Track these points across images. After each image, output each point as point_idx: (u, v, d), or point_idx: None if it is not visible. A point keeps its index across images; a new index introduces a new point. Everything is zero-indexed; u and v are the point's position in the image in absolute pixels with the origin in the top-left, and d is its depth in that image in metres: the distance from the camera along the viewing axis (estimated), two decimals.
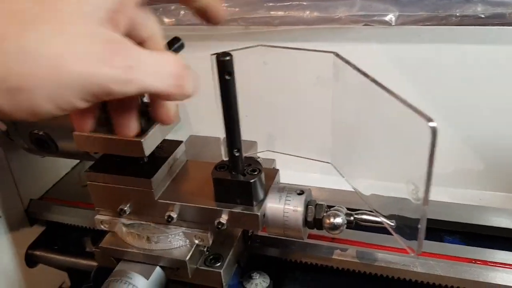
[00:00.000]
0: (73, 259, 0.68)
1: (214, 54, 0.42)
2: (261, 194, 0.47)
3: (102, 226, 0.52)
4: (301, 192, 0.47)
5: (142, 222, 0.51)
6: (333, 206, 0.48)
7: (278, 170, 0.51)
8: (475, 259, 0.49)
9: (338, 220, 0.45)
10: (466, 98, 0.63)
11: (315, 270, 0.54)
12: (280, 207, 0.47)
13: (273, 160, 0.58)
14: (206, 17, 0.38)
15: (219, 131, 0.45)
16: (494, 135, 0.64)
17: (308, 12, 0.63)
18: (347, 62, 0.40)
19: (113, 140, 0.47)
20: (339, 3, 0.62)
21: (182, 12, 0.68)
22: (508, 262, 0.49)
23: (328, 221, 0.45)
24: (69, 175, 0.73)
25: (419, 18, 0.59)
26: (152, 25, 0.36)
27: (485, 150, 0.65)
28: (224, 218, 0.47)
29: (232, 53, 0.41)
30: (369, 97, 0.37)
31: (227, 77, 0.41)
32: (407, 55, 0.63)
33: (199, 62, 0.58)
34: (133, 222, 0.51)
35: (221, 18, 0.38)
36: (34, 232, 0.69)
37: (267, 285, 0.53)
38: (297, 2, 0.64)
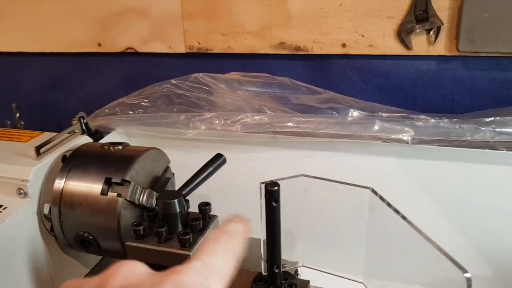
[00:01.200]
0: None
1: (263, 183, 0.47)
2: None
3: None
4: None
5: None
6: None
7: (309, 281, 0.56)
8: None
9: None
10: (477, 211, 0.68)
11: None
12: None
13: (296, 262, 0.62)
14: None
15: None
16: (503, 245, 0.69)
17: (333, 131, 0.69)
18: (382, 198, 0.45)
19: (161, 252, 0.51)
20: (361, 122, 0.69)
21: (216, 121, 0.75)
22: None
23: None
24: (100, 266, 0.76)
25: (433, 139, 0.65)
26: None
27: (495, 258, 0.70)
28: None
29: (278, 181, 0.47)
30: (403, 235, 0.42)
31: (273, 204, 0.47)
32: (421, 171, 0.69)
33: (231, 162, 0.64)
34: None
35: None
36: None
37: None
38: (324, 119, 0.70)
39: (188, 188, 0.55)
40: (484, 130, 0.62)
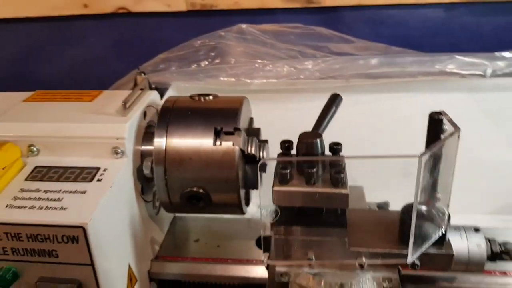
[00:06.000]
0: None
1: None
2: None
3: (281, 279, 0.53)
4: (477, 229, 0.53)
5: (326, 270, 0.53)
6: None
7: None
8: None
9: None
10: None
11: None
12: (464, 245, 0.52)
13: None
14: None
15: None
16: None
17: (408, 68, 0.70)
18: None
19: (316, 193, 0.49)
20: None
21: (280, 69, 0.73)
22: None
23: None
24: (171, 231, 0.72)
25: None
26: None
27: None
28: (417, 260, 0.51)
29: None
30: None
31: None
32: (497, 103, 0.72)
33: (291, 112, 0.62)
34: (319, 270, 0.53)
35: None
36: None
37: None
38: (393, 58, 0.71)
39: (322, 128, 0.53)
40: None
